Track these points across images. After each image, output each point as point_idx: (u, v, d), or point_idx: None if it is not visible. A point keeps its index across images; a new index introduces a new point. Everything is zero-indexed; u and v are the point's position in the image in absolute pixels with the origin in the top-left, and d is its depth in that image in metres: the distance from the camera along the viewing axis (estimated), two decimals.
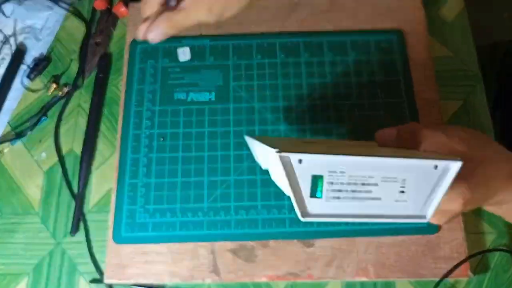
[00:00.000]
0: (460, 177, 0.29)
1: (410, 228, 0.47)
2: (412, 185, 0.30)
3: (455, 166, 0.29)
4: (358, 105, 0.53)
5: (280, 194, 0.49)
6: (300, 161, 0.29)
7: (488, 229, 0.50)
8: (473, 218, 0.50)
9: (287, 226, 0.47)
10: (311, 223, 0.47)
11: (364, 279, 0.46)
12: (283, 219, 0.48)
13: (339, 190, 0.29)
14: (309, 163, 0.29)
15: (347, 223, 0.47)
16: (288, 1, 0.59)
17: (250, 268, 0.47)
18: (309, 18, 0.58)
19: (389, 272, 0.46)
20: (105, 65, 0.57)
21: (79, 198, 0.51)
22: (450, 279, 0.47)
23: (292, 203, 0.29)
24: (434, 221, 0.34)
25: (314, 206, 0.29)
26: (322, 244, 0.47)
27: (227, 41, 0.56)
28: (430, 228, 0.47)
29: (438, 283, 0.46)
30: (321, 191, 0.29)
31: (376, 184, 0.30)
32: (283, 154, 0.28)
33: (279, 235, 0.47)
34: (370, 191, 0.30)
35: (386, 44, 0.56)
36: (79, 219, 0.50)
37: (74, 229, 0.50)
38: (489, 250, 0.49)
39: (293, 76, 0.55)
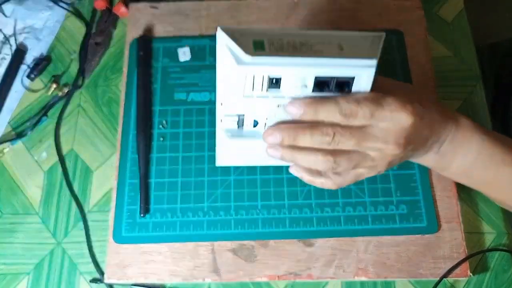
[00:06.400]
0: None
1: (410, 228, 0.47)
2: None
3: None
4: None
5: (280, 193, 0.49)
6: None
7: (488, 229, 0.50)
8: (472, 218, 0.50)
9: (287, 226, 0.47)
10: (311, 223, 0.47)
11: (364, 278, 0.46)
12: (283, 219, 0.48)
13: (281, 48, 0.32)
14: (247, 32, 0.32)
15: (347, 223, 0.47)
16: (288, 1, 0.59)
17: (250, 268, 0.47)
18: (309, 19, 0.58)
19: (389, 272, 0.46)
20: (145, 44, 0.56)
21: (144, 177, 0.50)
22: (449, 279, 0.47)
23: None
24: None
25: (258, 59, 0.31)
26: (322, 244, 0.47)
27: None
28: (430, 228, 0.47)
29: (437, 283, 0.46)
30: (263, 47, 0.32)
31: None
32: (220, 29, 0.31)
33: (279, 235, 0.47)
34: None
35: (386, 44, 0.55)
36: (146, 200, 0.49)
37: (143, 211, 0.48)
38: (489, 250, 0.49)
39: None
